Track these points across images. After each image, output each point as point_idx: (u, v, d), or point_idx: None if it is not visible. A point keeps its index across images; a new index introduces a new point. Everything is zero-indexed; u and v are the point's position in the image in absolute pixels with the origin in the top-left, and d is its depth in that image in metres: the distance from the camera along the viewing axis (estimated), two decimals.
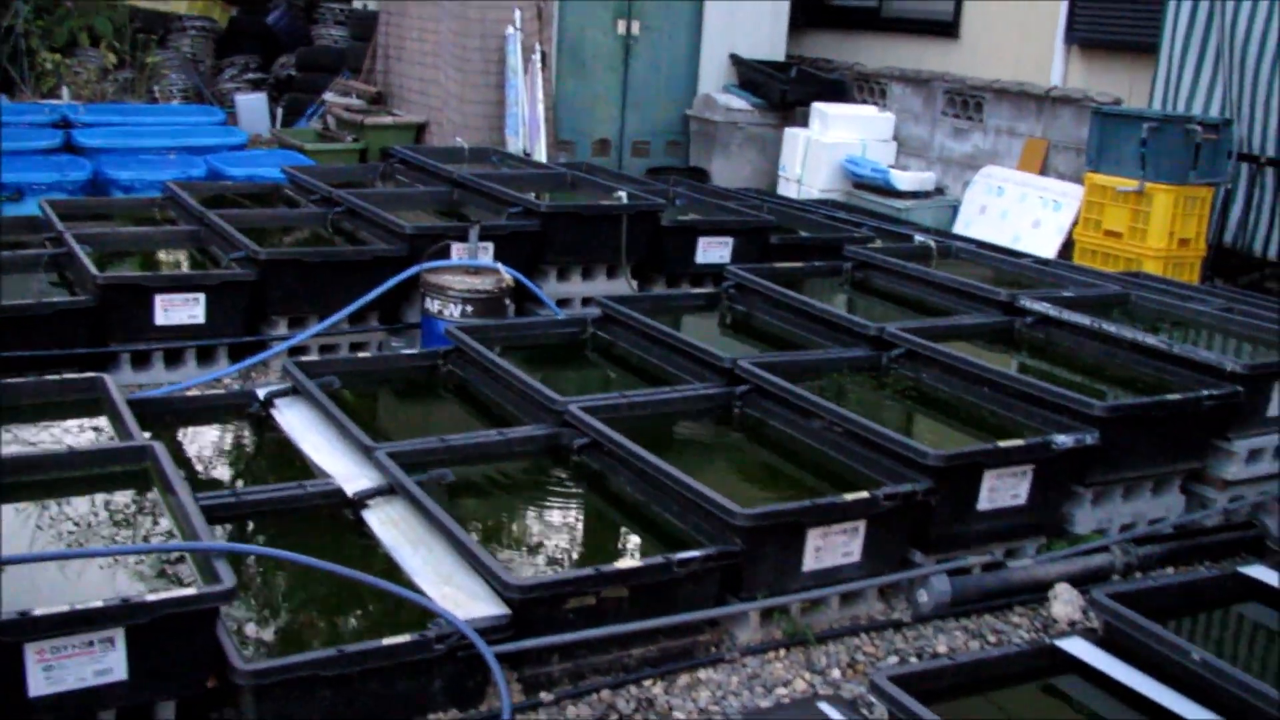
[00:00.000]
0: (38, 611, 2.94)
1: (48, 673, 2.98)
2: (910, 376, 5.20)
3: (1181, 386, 4.88)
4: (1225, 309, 5.95)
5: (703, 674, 3.78)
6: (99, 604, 3.01)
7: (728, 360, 5.02)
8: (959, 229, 9.54)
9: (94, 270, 5.90)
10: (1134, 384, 5.08)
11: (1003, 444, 4.32)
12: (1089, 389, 4.94)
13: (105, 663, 3.04)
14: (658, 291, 7.33)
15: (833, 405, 4.57)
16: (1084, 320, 5.45)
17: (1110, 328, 5.33)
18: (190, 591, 3.11)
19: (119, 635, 3.03)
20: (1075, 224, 8.73)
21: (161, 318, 5.92)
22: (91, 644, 3.01)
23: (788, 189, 10.75)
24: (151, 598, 3.05)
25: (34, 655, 2.95)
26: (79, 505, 3.85)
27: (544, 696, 3.57)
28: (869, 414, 4.54)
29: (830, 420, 4.52)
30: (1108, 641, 3.47)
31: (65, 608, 2.97)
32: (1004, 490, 4.33)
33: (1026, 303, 5.70)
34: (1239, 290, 7.68)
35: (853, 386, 5.15)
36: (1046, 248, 8.91)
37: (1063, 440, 4.36)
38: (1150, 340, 5.17)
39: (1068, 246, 8.90)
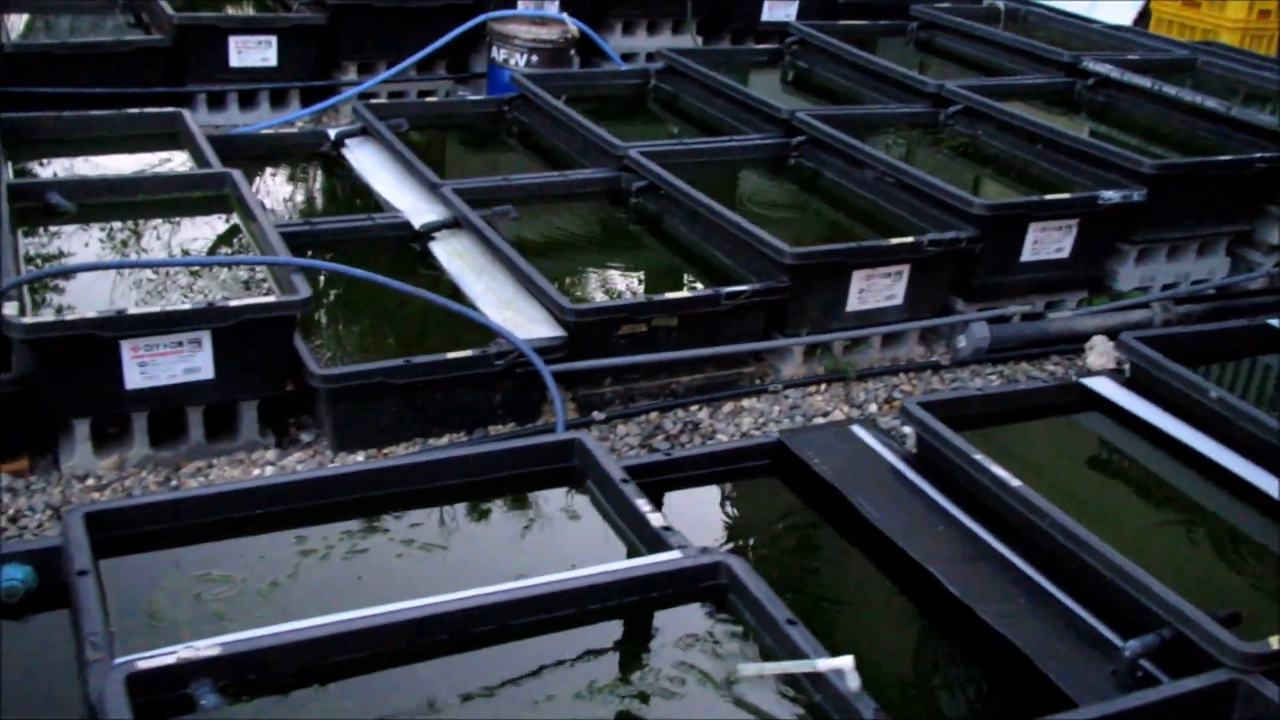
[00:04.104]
0: (132, 310, 3.20)
1: (142, 368, 3.25)
2: (966, 133, 5.26)
3: (1236, 149, 4.91)
4: None
5: (746, 403, 4.01)
6: (186, 306, 3.26)
7: (785, 111, 5.10)
8: None
9: (170, 11, 6.01)
10: (1190, 147, 5.11)
11: (1049, 196, 4.42)
12: (1143, 150, 4.99)
13: (194, 362, 3.30)
14: (721, 47, 7.33)
15: (884, 155, 4.67)
16: (1144, 83, 5.45)
17: (1170, 90, 5.33)
18: (270, 299, 3.34)
19: (205, 337, 3.28)
20: None
21: (236, 59, 6.06)
22: (180, 344, 3.27)
23: None
24: (235, 303, 3.29)
25: (129, 351, 3.21)
26: (164, 226, 4.07)
27: (596, 415, 3.82)
28: (923, 168, 4.64)
29: (881, 170, 4.63)
30: (1133, 382, 3.63)
31: (156, 309, 3.23)
32: (1048, 243, 4.45)
33: (1089, 64, 5.69)
34: None
35: (908, 141, 5.23)
36: (1122, 16, 8.72)
37: (1109, 195, 4.45)
38: (1209, 103, 5.18)
39: (1144, 17, 8.71)
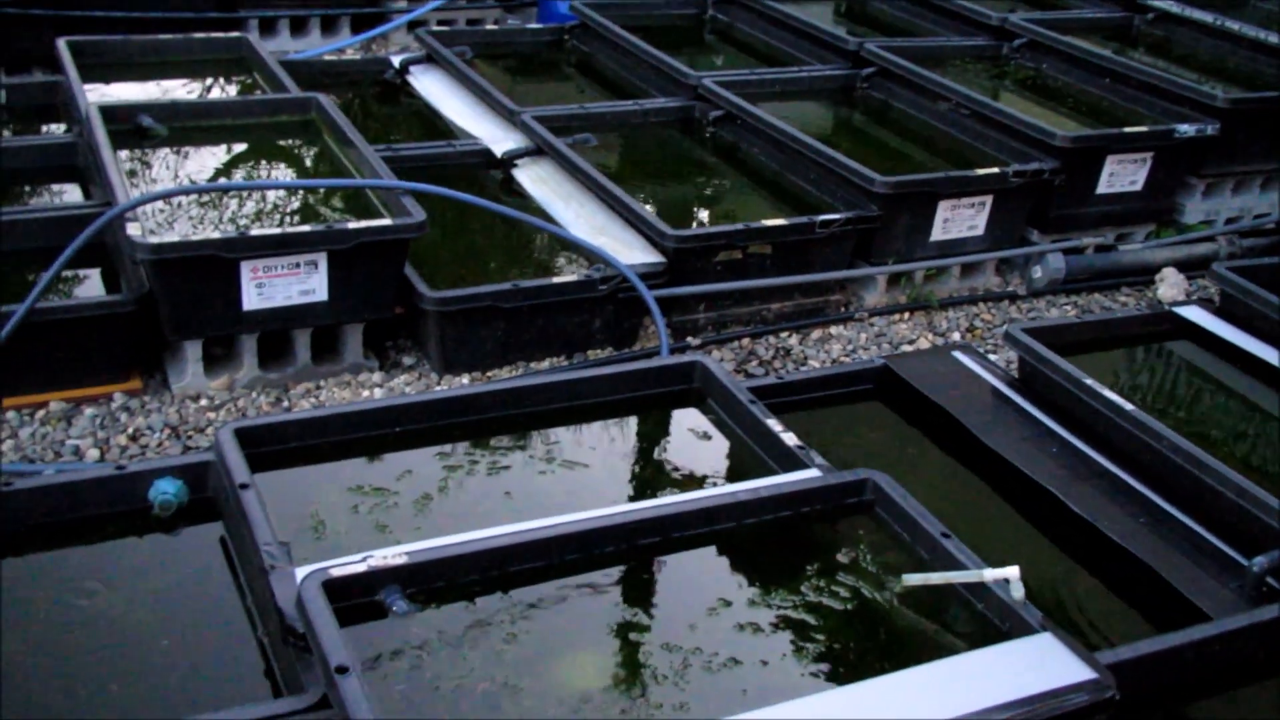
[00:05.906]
0: (253, 232, 3.22)
1: (259, 289, 3.28)
2: (1031, 66, 5.28)
3: None
4: None
5: (834, 330, 4.07)
6: (306, 228, 3.29)
7: (854, 43, 5.11)
8: None
9: None
10: (1251, 81, 5.15)
11: (1127, 129, 4.46)
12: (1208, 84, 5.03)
13: (309, 284, 3.33)
14: None
15: (961, 87, 4.70)
16: (1206, 17, 5.47)
17: (1233, 25, 5.36)
18: (386, 222, 3.37)
19: (322, 259, 3.31)
20: None
21: None
22: (298, 265, 3.29)
23: None
24: (352, 225, 3.31)
25: (249, 273, 3.24)
26: (257, 149, 4.08)
27: (691, 341, 3.87)
28: (992, 99, 4.67)
29: (957, 101, 4.65)
30: (1224, 311, 3.70)
31: (277, 230, 3.25)
32: (1123, 175, 4.49)
33: None
34: None
35: (974, 74, 5.25)
36: None
37: (1185, 128, 4.49)
38: (1273, 38, 5.21)
39: None
